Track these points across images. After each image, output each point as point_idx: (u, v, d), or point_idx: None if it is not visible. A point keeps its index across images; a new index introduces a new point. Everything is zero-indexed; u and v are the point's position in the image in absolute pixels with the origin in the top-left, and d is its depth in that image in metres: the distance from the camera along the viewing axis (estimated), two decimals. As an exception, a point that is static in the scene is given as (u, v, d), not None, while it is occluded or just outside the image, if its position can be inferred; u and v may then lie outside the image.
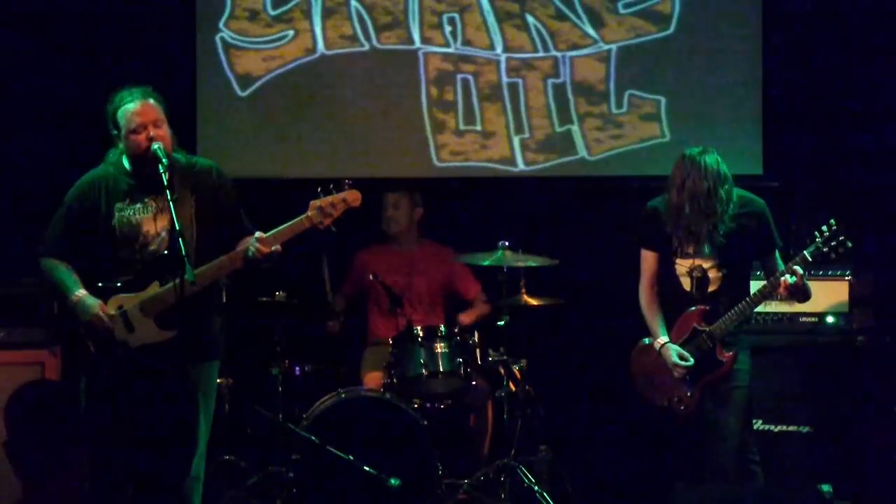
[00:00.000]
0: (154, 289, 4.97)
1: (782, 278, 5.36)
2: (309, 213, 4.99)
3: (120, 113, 5.00)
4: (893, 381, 6.36)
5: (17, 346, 6.22)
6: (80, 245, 5.04)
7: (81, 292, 4.98)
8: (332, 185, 5.03)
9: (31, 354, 6.21)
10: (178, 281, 4.80)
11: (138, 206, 5.03)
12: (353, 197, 5.02)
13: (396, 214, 6.95)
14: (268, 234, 5.00)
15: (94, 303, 4.96)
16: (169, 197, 4.84)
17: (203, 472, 5.13)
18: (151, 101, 5.03)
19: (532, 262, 6.33)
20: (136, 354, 4.98)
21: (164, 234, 5.02)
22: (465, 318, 6.82)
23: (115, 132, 5.04)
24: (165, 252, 4.98)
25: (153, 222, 5.02)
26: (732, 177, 5.52)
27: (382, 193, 6.91)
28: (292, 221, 5.00)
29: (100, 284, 5.00)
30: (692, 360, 5.49)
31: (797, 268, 5.34)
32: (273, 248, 4.97)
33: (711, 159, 5.46)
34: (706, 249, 5.49)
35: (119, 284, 5.00)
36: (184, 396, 4.99)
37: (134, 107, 4.99)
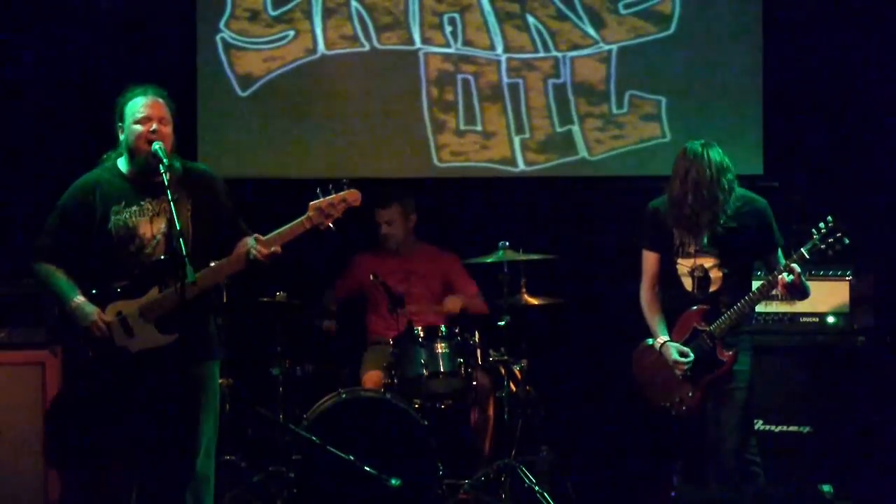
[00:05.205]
0: (154, 294, 4.97)
1: (780, 276, 5.36)
2: (309, 213, 4.99)
3: (130, 104, 5.01)
4: (893, 381, 6.36)
5: (17, 346, 6.20)
6: (75, 248, 5.01)
7: (80, 299, 4.96)
8: (330, 186, 5.03)
9: (31, 354, 6.18)
10: (179, 285, 4.78)
11: (134, 208, 5.01)
12: (353, 196, 5.02)
13: (391, 230, 6.92)
14: (268, 235, 4.99)
15: (92, 310, 4.94)
16: (169, 197, 4.84)
17: (213, 472, 5.11)
18: (161, 99, 5.05)
19: (532, 256, 6.36)
20: (136, 360, 4.96)
21: (160, 237, 5.00)
22: (451, 303, 6.75)
23: (120, 123, 5.04)
24: (163, 257, 4.97)
25: (149, 225, 5.01)
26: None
27: (373, 209, 6.85)
28: (293, 223, 5.00)
29: (94, 291, 4.98)
30: (692, 356, 5.49)
31: (794, 266, 5.35)
32: (272, 248, 4.96)
33: (714, 151, 5.49)
34: (705, 240, 5.48)
35: (119, 290, 4.99)
36: (184, 401, 4.96)
37: (144, 100, 5.01)
